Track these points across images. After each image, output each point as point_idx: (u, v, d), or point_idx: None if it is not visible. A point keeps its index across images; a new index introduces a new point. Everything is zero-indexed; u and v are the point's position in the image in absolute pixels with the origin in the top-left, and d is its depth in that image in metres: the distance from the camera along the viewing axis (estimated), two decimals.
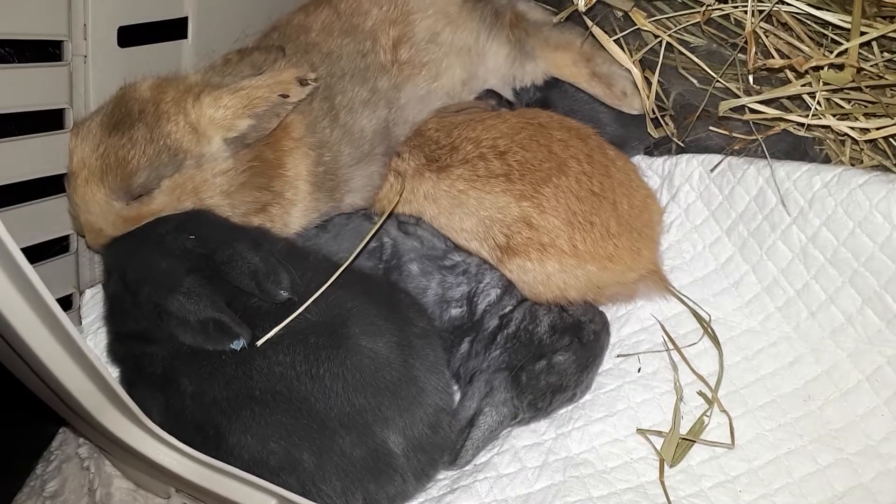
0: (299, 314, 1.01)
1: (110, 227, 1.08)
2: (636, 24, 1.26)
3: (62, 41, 1.08)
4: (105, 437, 0.95)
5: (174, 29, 1.28)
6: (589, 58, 1.39)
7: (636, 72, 1.28)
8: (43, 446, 1.33)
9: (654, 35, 1.26)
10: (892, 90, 1.15)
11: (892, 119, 1.09)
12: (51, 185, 1.12)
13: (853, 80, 1.09)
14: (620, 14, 1.29)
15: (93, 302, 1.23)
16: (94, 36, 1.11)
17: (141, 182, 1.06)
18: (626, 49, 1.29)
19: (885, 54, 1.15)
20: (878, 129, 1.10)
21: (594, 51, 1.38)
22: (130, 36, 1.18)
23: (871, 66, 1.14)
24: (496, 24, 1.38)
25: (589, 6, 1.24)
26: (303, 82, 1.14)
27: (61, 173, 1.11)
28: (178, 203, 1.09)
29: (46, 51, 1.12)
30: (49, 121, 1.12)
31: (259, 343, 0.99)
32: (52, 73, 1.08)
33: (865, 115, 1.14)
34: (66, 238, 1.19)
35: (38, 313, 0.75)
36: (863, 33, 1.07)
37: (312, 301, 1.02)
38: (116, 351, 1.08)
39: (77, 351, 0.80)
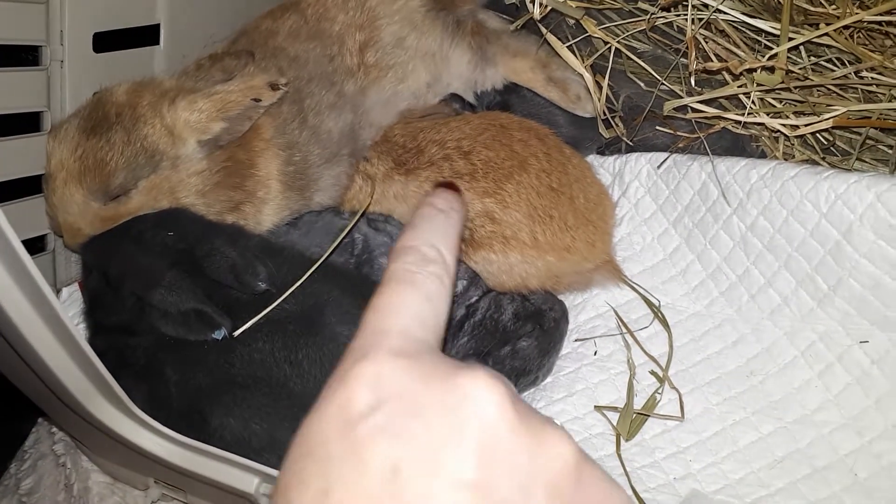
0: (277, 304, 1.05)
1: (88, 226, 1.10)
2: (587, 32, 1.33)
3: (40, 46, 1.12)
4: (88, 425, 0.98)
5: (147, 35, 1.32)
6: (545, 64, 1.46)
7: (588, 76, 1.35)
8: (17, 446, 1.34)
9: (603, 42, 1.33)
10: (818, 90, 1.26)
11: (819, 116, 1.19)
12: (27, 186, 1.15)
13: (783, 82, 1.18)
14: (573, 22, 1.37)
15: (70, 300, 1.25)
16: (70, 42, 1.14)
17: (119, 183, 1.09)
18: (578, 55, 1.36)
19: (812, 58, 1.26)
20: (806, 125, 1.19)
21: (550, 57, 1.45)
22: (105, 42, 1.22)
23: (800, 68, 1.24)
24: (458, 31, 1.44)
25: (543, 14, 1.32)
26: (274, 87, 1.18)
27: (38, 174, 1.14)
28: (155, 203, 1.12)
29: (20, 56, 1.15)
30: (25, 123, 1.15)
31: (238, 332, 1.03)
32: (31, 78, 1.12)
33: (795, 113, 1.24)
34: (42, 238, 1.22)
35: (30, 300, 0.77)
36: (791, 39, 1.18)
37: (290, 292, 1.06)
38: (97, 345, 1.07)
39: (67, 337, 0.83)
